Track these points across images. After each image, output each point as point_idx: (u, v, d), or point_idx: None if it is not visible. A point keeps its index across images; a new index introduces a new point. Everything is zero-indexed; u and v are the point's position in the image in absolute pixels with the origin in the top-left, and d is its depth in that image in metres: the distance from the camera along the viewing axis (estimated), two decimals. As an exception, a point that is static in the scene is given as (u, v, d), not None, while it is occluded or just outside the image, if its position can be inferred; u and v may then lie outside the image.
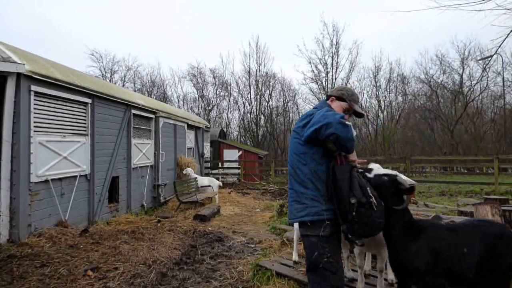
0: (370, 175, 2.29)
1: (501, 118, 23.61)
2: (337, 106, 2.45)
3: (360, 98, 28.87)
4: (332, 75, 27.34)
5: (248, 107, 30.01)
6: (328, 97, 2.55)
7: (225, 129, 27.48)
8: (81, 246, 4.79)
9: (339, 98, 2.47)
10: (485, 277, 2.28)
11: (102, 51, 40.68)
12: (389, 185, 2.29)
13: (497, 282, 2.27)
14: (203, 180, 10.39)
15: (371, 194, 2.12)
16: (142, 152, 8.60)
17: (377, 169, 2.35)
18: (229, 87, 30.72)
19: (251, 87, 29.66)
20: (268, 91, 29.87)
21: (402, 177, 2.35)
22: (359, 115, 2.52)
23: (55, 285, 3.61)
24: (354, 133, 2.26)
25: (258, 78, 29.49)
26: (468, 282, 2.31)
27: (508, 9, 5.97)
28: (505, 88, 21.49)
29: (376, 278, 3.32)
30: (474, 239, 2.29)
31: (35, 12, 41.35)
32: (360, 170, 2.28)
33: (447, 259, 2.24)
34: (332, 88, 25.60)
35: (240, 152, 18.87)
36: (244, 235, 6.12)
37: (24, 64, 4.81)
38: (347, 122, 2.14)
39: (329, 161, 2.25)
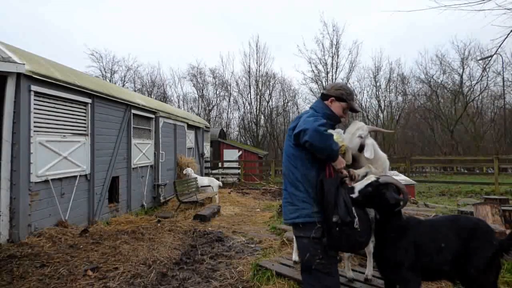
0: (354, 195, 2.22)
1: (501, 118, 23.63)
2: (337, 106, 2.41)
3: (360, 98, 28.92)
4: (332, 75, 27.37)
5: (248, 107, 30.08)
6: (326, 96, 2.46)
7: (225, 129, 27.48)
8: (81, 246, 4.79)
9: (339, 99, 2.41)
10: (465, 272, 2.30)
11: (102, 51, 40.70)
12: (375, 194, 2.24)
13: (480, 279, 2.28)
14: (203, 180, 10.38)
15: (355, 214, 2.09)
16: (142, 152, 8.60)
17: (359, 184, 2.27)
18: (229, 87, 30.78)
19: (251, 87, 29.71)
20: (268, 91, 29.94)
21: (386, 179, 2.28)
22: (356, 111, 2.50)
23: (55, 285, 3.61)
24: (341, 141, 2.23)
25: (258, 78, 29.54)
26: (445, 275, 2.38)
27: (508, 9, 5.98)
28: (505, 88, 21.51)
29: (378, 279, 3.32)
30: (451, 234, 2.34)
31: (35, 12, 41.38)
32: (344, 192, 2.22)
33: (427, 254, 2.29)
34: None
35: (240, 152, 18.87)
36: (244, 235, 6.12)
37: (24, 64, 4.81)
38: (328, 132, 2.12)
39: (319, 166, 2.22)
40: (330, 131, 2.26)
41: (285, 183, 2.36)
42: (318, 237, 2.17)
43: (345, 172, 2.27)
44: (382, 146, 27.00)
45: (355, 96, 2.57)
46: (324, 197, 2.13)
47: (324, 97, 2.47)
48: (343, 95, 2.41)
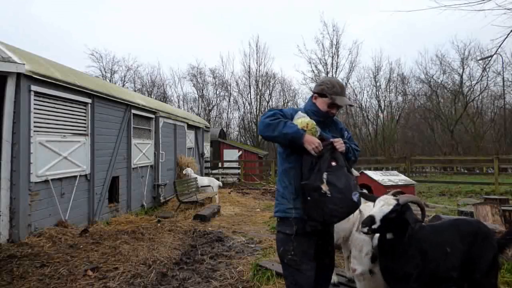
0: (376, 225, 2.12)
1: (501, 118, 23.61)
2: (321, 102, 2.35)
3: (360, 98, 28.89)
4: (332, 75, 27.33)
5: (248, 107, 30.04)
6: (312, 94, 2.45)
7: (225, 129, 27.47)
8: (81, 246, 4.79)
9: (320, 94, 2.35)
10: (471, 277, 2.29)
11: (102, 51, 40.61)
12: (396, 219, 2.15)
13: (483, 282, 2.29)
14: (203, 180, 10.38)
15: (324, 180, 2.05)
16: (142, 152, 8.60)
17: (378, 212, 2.16)
18: (229, 87, 30.74)
19: (251, 87, 29.68)
20: (268, 91, 29.92)
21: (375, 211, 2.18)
22: (338, 106, 2.35)
23: (55, 285, 3.61)
24: (306, 121, 2.15)
25: (258, 78, 29.51)
26: (454, 283, 2.32)
27: (508, 9, 5.98)
28: (505, 88, 21.50)
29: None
30: (455, 239, 2.32)
31: (34, 12, 41.37)
32: (364, 230, 2.15)
33: (433, 260, 2.23)
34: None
35: (240, 152, 18.86)
36: (244, 235, 6.12)
37: (24, 64, 4.80)
38: (277, 120, 2.12)
39: (297, 159, 2.23)
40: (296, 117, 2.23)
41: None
42: (291, 234, 2.21)
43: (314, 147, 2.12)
44: (383, 146, 27.03)
45: (341, 89, 2.36)
46: (302, 167, 2.19)
47: (312, 94, 2.47)
48: (324, 90, 2.33)
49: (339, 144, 2.19)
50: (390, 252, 2.26)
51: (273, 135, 2.13)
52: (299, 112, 2.27)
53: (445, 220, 2.59)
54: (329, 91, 2.32)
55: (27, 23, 41.26)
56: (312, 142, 2.08)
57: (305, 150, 2.11)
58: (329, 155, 2.12)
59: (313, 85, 27.99)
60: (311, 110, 2.36)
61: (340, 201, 2.04)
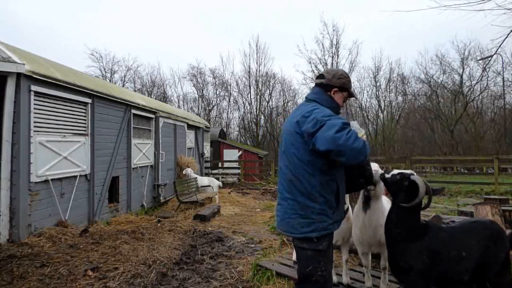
0: (388, 175, 2.47)
1: (501, 118, 23.60)
2: (340, 97, 2.24)
3: (360, 98, 28.90)
4: (332, 75, 27.23)
5: (248, 107, 30.04)
6: (327, 86, 2.22)
7: (225, 129, 27.46)
8: (81, 246, 4.79)
9: (342, 89, 2.23)
10: (484, 278, 2.32)
11: (102, 51, 40.61)
12: (400, 182, 2.35)
13: (497, 281, 2.32)
14: (203, 180, 10.38)
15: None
16: (142, 152, 8.60)
17: (397, 170, 2.54)
18: (229, 87, 30.76)
19: (251, 87, 29.67)
20: (268, 91, 29.91)
21: (418, 179, 2.34)
22: (355, 97, 2.43)
23: (55, 285, 3.61)
24: (361, 134, 2.10)
25: (258, 78, 29.50)
26: (464, 285, 2.35)
27: (508, 9, 5.98)
28: (505, 88, 21.49)
29: (378, 278, 3.32)
30: (473, 242, 2.32)
31: (34, 13, 41.35)
32: (381, 172, 2.51)
33: (445, 263, 2.24)
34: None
35: (240, 152, 18.86)
36: (244, 235, 6.12)
37: (24, 64, 4.80)
38: (359, 138, 1.90)
39: (337, 170, 2.09)
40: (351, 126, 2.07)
41: (293, 191, 2.08)
42: (325, 249, 2.08)
43: None
44: (382, 146, 27.03)
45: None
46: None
47: (325, 87, 2.23)
48: (345, 84, 2.22)
49: None
50: (394, 237, 2.31)
51: (360, 159, 1.95)
52: (355, 124, 2.19)
53: (463, 222, 2.60)
54: (349, 84, 2.26)
55: (25, 25, 41.27)
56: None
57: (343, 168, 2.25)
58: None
59: (313, 85, 27.94)
60: (332, 108, 2.17)
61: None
